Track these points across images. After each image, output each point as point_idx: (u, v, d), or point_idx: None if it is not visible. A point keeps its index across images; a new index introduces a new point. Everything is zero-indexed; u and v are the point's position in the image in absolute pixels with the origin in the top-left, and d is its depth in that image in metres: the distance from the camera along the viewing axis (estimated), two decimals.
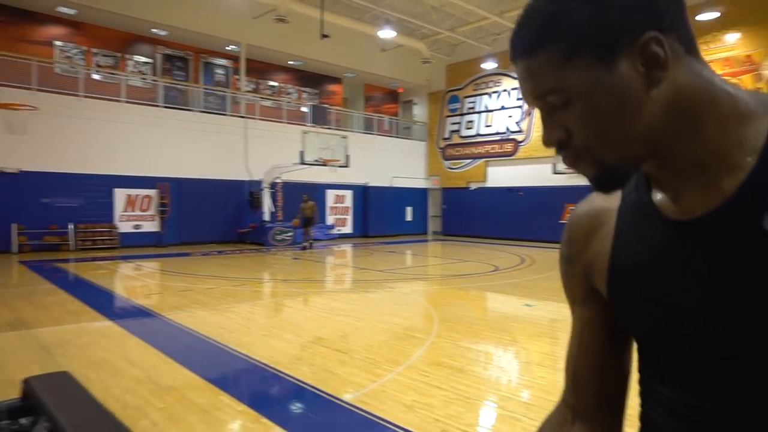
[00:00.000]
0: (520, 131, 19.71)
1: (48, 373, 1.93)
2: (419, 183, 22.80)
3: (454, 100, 22.24)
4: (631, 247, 0.67)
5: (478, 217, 20.41)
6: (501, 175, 20.31)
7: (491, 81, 20.65)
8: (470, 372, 4.42)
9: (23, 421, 1.66)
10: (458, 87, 21.96)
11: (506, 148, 20.13)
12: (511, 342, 5.55)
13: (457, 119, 22.06)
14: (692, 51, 0.59)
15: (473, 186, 21.19)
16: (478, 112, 21.21)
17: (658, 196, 0.65)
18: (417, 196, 22.55)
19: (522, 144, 19.58)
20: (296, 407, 3.71)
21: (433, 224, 22.99)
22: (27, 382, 1.77)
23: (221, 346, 5.12)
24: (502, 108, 20.30)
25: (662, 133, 0.59)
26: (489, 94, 20.77)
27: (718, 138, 0.59)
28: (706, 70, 0.60)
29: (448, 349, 5.02)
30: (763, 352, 0.56)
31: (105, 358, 4.63)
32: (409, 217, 22.21)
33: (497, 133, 20.41)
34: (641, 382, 0.73)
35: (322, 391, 3.91)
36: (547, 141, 0.63)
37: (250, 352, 4.91)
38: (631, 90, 0.57)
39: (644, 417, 0.72)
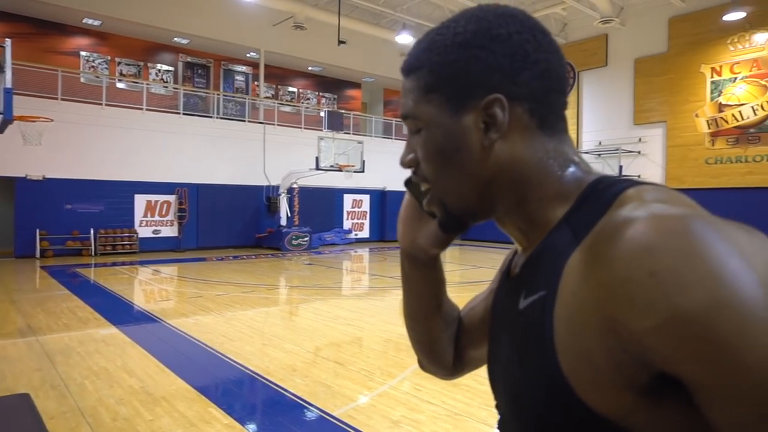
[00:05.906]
0: None
1: (8, 395, 1.98)
2: None
3: None
4: (495, 296, 0.71)
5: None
6: None
7: None
8: (463, 386, 4.36)
9: None
10: None
11: None
12: None
13: None
14: (547, 128, 0.58)
15: None
16: None
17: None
18: None
19: None
20: (283, 422, 3.71)
21: None
22: None
23: (220, 356, 5.17)
24: None
25: (495, 194, 0.60)
26: None
27: (536, 214, 0.59)
28: (555, 148, 0.59)
29: None
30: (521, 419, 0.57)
31: (104, 367, 4.71)
32: None
33: None
34: None
35: (312, 405, 3.91)
36: (401, 160, 0.65)
37: (247, 362, 4.95)
38: (467, 141, 0.58)
39: None
